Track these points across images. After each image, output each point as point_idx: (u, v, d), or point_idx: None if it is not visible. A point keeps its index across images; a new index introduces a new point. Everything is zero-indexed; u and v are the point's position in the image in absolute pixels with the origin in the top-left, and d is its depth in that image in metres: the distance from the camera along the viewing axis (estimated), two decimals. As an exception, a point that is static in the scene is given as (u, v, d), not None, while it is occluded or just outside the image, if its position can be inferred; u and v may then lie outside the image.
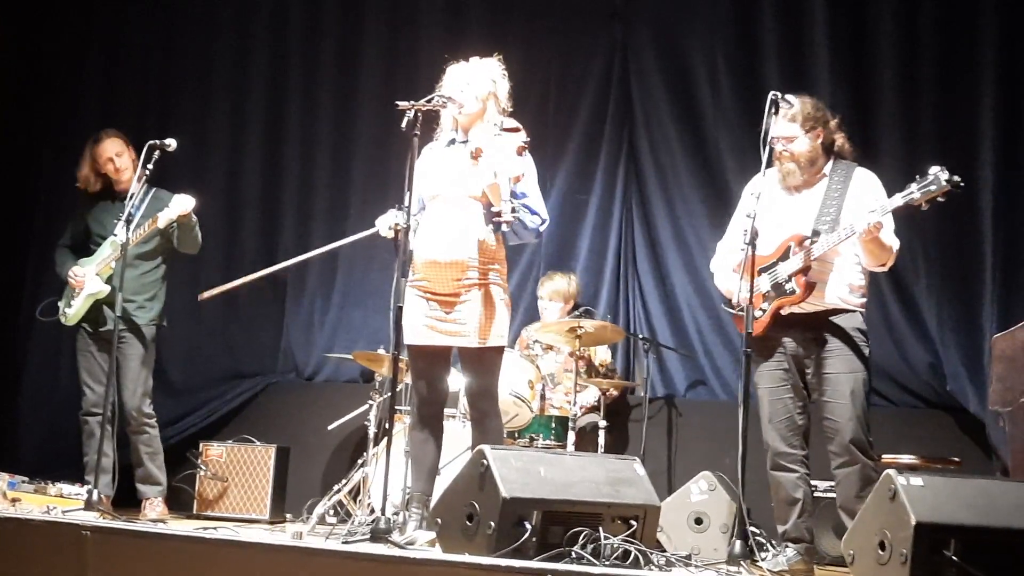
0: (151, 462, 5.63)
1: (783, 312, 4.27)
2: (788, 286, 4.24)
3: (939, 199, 3.96)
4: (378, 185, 6.57)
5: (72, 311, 5.61)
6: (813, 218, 4.28)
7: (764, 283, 4.30)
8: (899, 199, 4.00)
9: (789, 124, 4.30)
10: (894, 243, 4.21)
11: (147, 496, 5.62)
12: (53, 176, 7.16)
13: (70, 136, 6.93)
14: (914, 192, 3.96)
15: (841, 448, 4.17)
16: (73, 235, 5.82)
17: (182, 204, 5.43)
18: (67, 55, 7.41)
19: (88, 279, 5.56)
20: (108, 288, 5.53)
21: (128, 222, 5.19)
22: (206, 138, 7.06)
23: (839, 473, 4.20)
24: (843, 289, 4.28)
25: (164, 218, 5.43)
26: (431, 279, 4.23)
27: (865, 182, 4.31)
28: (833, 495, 4.93)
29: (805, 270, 4.21)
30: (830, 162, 4.37)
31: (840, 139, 4.38)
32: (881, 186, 4.30)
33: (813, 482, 4.43)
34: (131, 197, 5.29)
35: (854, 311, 4.29)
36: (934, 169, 3.94)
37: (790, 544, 4.24)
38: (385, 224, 4.37)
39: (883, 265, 4.27)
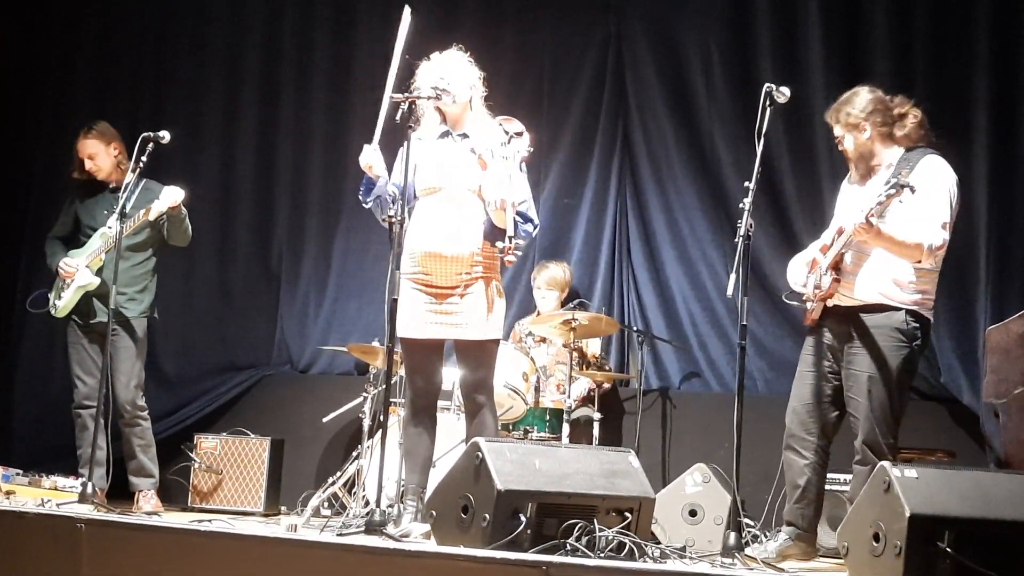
0: (144, 454, 5.62)
1: (828, 304, 4.25)
2: (823, 279, 4.23)
3: (899, 200, 3.96)
4: (372, 176, 6.54)
5: (62, 303, 5.59)
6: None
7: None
8: (874, 200, 3.99)
9: (835, 126, 4.32)
10: (924, 239, 4.06)
11: (140, 488, 5.61)
12: (45, 168, 7.13)
13: (62, 128, 6.90)
14: (881, 195, 3.97)
15: (857, 445, 4.17)
16: (63, 226, 5.78)
17: (172, 196, 5.40)
18: (59, 46, 7.37)
19: (79, 271, 5.54)
20: (98, 280, 5.51)
21: (121, 214, 5.17)
22: (199, 130, 7.04)
23: (854, 468, 4.20)
24: (884, 284, 4.17)
25: (155, 210, 5.40)
26: (432, 272, 4.21)
27: (923, 171, 4.16)
28: (829, 487, 4.95)
29: (834, 264, 4.20)
30: (900, 151, 4.27)
31: (910, 125, 4.27)
32: (937, 172, 4.17)
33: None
34: (125, 189, 5.27)
35: (898, 308, 4.15)
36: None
37: (783, 527, 4.25)
38: (366, 156, 4.25)
39: (917, 261, 4.13)
